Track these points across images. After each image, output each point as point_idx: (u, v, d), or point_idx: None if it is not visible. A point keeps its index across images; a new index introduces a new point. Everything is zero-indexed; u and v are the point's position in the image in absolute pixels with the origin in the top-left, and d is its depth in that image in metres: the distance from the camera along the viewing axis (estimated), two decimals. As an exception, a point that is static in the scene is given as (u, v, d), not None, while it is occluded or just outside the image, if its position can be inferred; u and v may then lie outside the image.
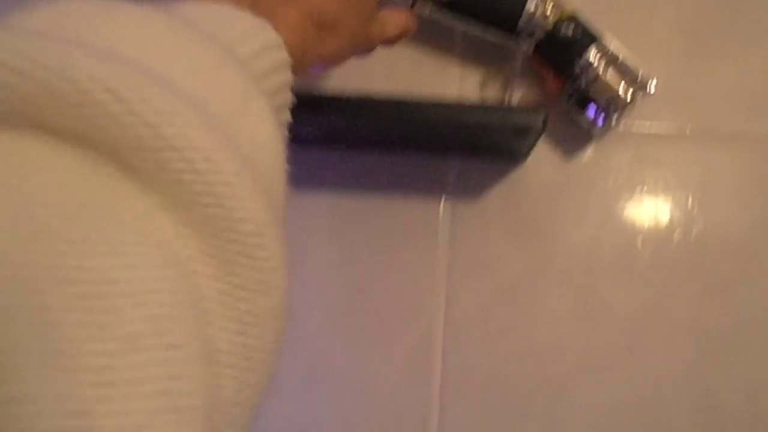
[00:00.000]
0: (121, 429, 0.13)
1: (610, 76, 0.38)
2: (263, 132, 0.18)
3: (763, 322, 0.39)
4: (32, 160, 0.14)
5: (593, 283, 0.39)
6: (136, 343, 0.13)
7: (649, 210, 0.40)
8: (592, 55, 0.37)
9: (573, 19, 0.38)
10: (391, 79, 0.42)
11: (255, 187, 0.16)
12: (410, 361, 0.40)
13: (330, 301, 0.40)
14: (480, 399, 0.39)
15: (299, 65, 0.23)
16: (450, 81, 0.42)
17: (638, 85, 0.38)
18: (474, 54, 0.42)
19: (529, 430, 0.39)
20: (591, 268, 0.40)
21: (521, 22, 0.38)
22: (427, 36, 0.39)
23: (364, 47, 0.31)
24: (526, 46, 0.39)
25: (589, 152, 0.41)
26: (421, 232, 0.40)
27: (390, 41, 0.32)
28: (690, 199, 0.40)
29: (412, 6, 0.39)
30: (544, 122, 0.34)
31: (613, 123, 0.39)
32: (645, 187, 0.40)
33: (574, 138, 0.41)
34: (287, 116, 0.23)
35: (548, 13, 0.38)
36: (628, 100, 0.38)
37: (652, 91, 0.38)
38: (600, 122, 0.38)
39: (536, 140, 0.37)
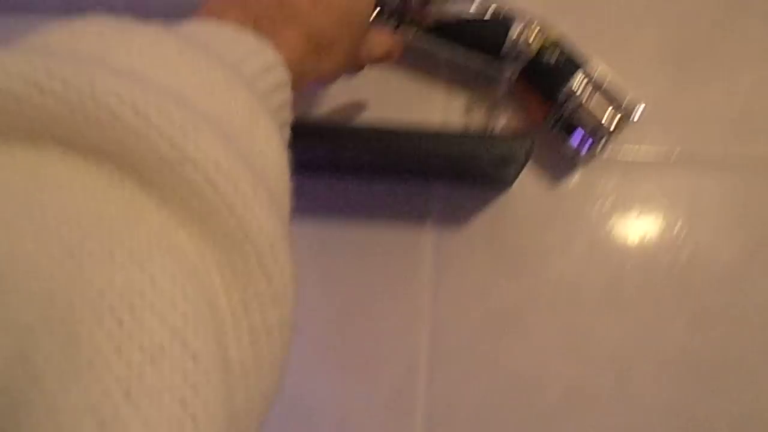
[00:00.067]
0: None
1: (594, 103, 0.37)
2: (271, 148, 0.19)
3: (752, 351, 0.38)
4: (55, 176, 0.15)
5: (580, 312, 0.39)
6: (160, 353, 0.13)
7: (636, 237, 0.40)
8: (577, 82, 0.37)
9: (557, 45, 0.38)
10: (377, 104, 0.41)
11: (269, 202, 0.17)
12: (394, 393, 0.39)
13: (311, 332, 0.39)
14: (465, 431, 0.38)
15: (298, 83, 0.24)
16: (434, 107, 0.41)
17: (623, 112, 0.38)
18: (458, 80, 0.42)
19: (516, 465, 0.38)
20: (578, 296, 0.39)
21: (505, 49, 0.37)
22: (412, 62, 0.39)
23: (355, 66, 0.32)
24: (510, 73, 0.38)
25: (575, 179, 0.40)
26: (405, 261, 0.39)
27: (377, 61, 0.33)
28: (677, 226, 0.40)
29: (397, 29, 0.38)
30: (529, 151, 0.33)
31: (598, 150, 0.38)
32: (631, 214, 0.40)
33: (560, 164, 0.40)
34: (288, 132, 0.24)
35: (532, 39, 0.37)
36: (613, 128, 0.37)
37: (639, 113, 0.38)
38: (585, 150, 0.38)
39: (521, 169, 0.36)
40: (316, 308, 0.39)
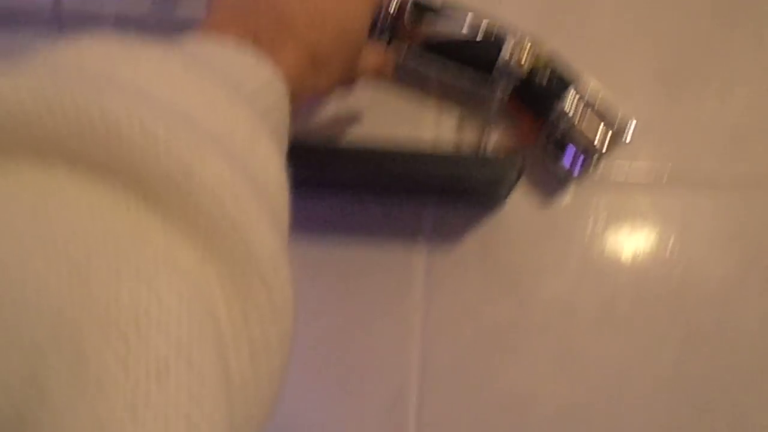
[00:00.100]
0: None
1: (586, 123, 0.37)
2: (271, 165, 0.20)
3: (744, 370, 0.38)
4: (63, 194, 0.15)
5: (573, 331, 0.38)
6: (165, 371, 0.14)
7: (629, 256, 0.39)
8: (569, 101, 0.37)
9: (549, 64, 0.38)
10: (368, 122, 0.41)
11: (271, 218, 0.17)
12: (385, 412, 0.38)
13: (300, 350, 0.39)
14: (457, 453, 0.38)
15: (296, 98, 0.25)
16: (426, 125, 0.41)
17: (615, 131, 0.38)
18: (450, 98, 0.42)
19: (508, 488, 0.37)
20: (571, 315, 0.39)
21: (497, 67, 0.37)
22: (404, 80, 0.39)
23: (350, 81, 0.33)
24: (502, 91, 0.38)
25: (567, 197, 0.40)
26: (397, 279, 0.39)
27: (371, 77, 0.34)
28: (669, 245, 0.40)
29: (388, 46, 0.38)
30: (520, 171, 0.33)
31: (591, 169, 0.38)
32: (624, 233, 0.40)
33: (552, 183, 0.40)
34: (286, 147, 0.24)
35: (524, 59, 0.37)
36: (605, 147, 0.37)
37: (629, 139, 0.38)
38: (577, 169, 0.38)
39: (512, 188, 0.36)
40: (306, 327, 0.39)
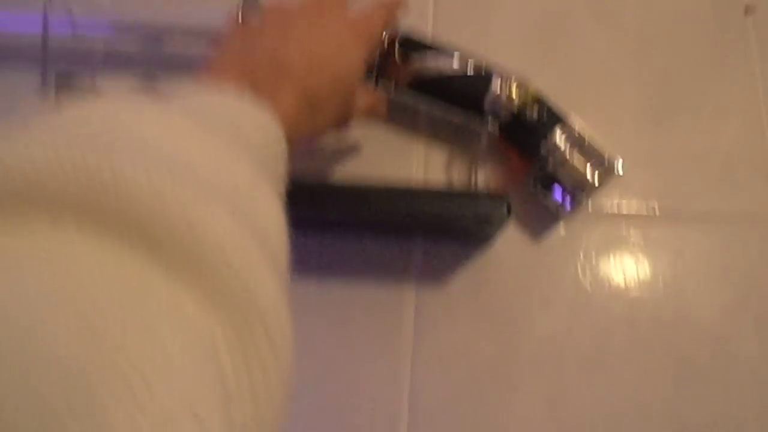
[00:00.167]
0: None
1: (576, 158, 0.37)
2: (271, 211, 0.21)
3: (740, 411, 0.37)
4: (72, 250, 0.16)
5: (564, 370, 0.38)
6: (168, 417, 0.14)
7: (620, 292, 0.39)
8: (558, 137, 0.37)
9: (537, 101, 0.38)
10: (357, 157, 0.41)
11: (272, 267, 0.17)
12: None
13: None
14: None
15: (293, 140, 0.26)
16: (415, 160, 0.41)
17: (605, 167, 0.38)
18: (439, 134, 0.42)
19: None
20: (562, 354, 0.38)
21: (486, 104, 0.37)
22: (393, 115, 0.39)
23: (343, 122, 0.34)
24: (491, 128, 0.38)
25: (557, 233, 0.40)
26: (386, 318, 0.38)
27: (364, 117, 0.35)
28: (661, 282, 0.39)
29: (376, 85, 0.38)
30: (508, 210, 0.33)
31: (580, 206, 0.38)
32: (616, 268, 0.39)
33: (542, 219, 0.40)
34: (284, 190, 0.25)
35: (513, 95, 0.37)
36: (594, 183, 0.37)
37: (621, 172, 0.38)
38: (567, 205, 0.37)
39: (501, 226, 0.36)
40: (295, 367, 0.38)
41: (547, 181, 0.37)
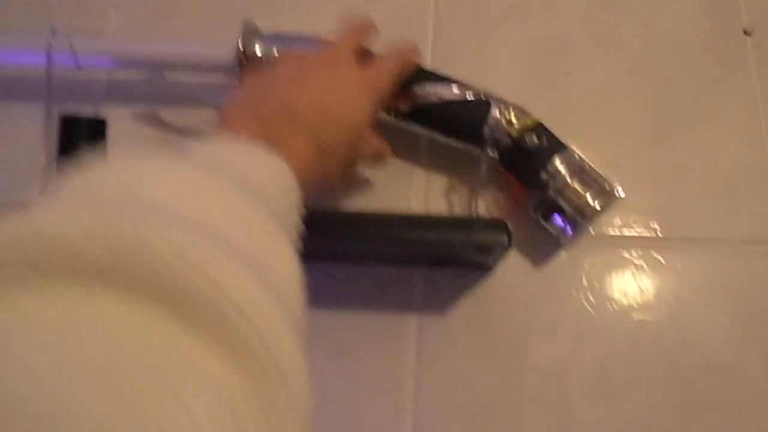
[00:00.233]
0: None
1: (577, 184, 0.37)
2: (288, 265, 0.22)
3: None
4: (101, 314, 0.16)
5: (568, 401, 0.37)
6: None
7: (624, 320, 0.39)
8: (559, 163, 0.37)
9: (538, 127, 0.38)
10: (357, 186, 0.41)
11: (292, 326, 0.18)
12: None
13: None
14: None
15: (305, 186, 0.27)
16: (416, 188, 0.41)
17: (606, 191, 0.37)
18: (440, 162, 0.42)
19: None
20: (565, 383, 0.37)
21: (486, 132, 0.37)
22: (393, 142, 0.39)
23: (350, 168, 0.36)
24: (491, 154, 0.38)
25: (559, 259, 0.40)
26: (387, 348, 0.38)
27: (369, 161, 0.36)
28: (664, 306, 0.39)
29: (379, 112, 0.38)
30: (509, 239, 0.32)
31: (581, 232, 0.38)
32: (618, 296, 0.39)
33: (544, 245, 0.40)
34: (297, 237, 0.26)
35: (513, 122, 0.37)
36: (598, 208, 0.37)
37: (622, 195, 0.38)
38: (568, 232, 0.37)
39: (502, 255, 0.36)
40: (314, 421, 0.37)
41: (548, 207, 0.37)
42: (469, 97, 0.38)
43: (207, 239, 0.17)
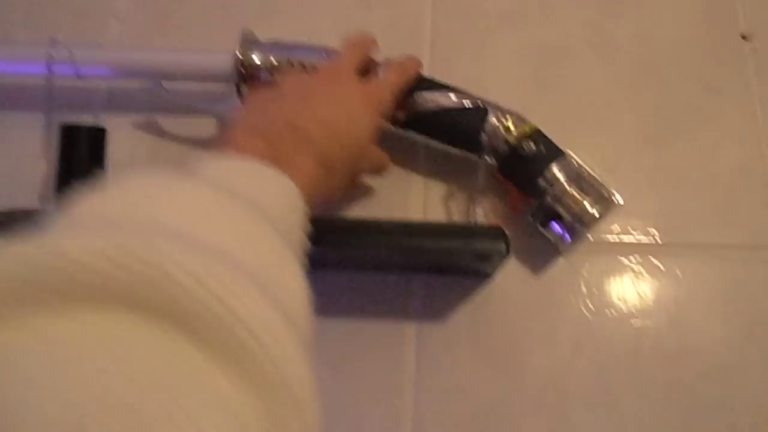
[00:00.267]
0: None
1: (575, 191, 0.37)
2: (296, 285, 0.22)
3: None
4: (119, 336, 0.17)
5: (568, 409, 0.37)
6: None
7: (623, 327, 0.38)
8: (556, 170, 0.37)
9: (536, 133, 0.38)
10: (356, 193, 0.41)
11: (300, 344, 0.19)
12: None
13: None
14: None
15: (310, 203, 0.28)
16: (414, 196, 0.41)
17: (605, 198, 0.37)
18: (438, 169, 0.42)
19: None
20: (565, 390, 0.37)
21: (483, 139, 0.37)
22: (391, 150, 0.39)
23: (353, 182, 0.36)
24: (489, 161, 0.38)
25: (558, 266, 0.40)
26: (386, 356, 0.38)
27: (371, 174, 0.38)
28: (664, 315, 0.39)
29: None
30: (507, 247, 0.32)
31: (579, 239, 0.38)
32: (617, 303, 0.39)
33: (543, 251, 0.40)
34: (304, 254, 0.26)
35: (511, 128, 0.37)
36: (596, 215, 0.37)
37: (621, 202, 0.38)
38: (566, 238, 0.37)
39: (500, 263, 0.36)
40: None
41: (547, 214, 0.37)
42: (467, 104, 0.38)
43: (219, 262, 0.18)
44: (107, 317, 0.17)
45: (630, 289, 0.39)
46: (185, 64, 0.41)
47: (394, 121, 0.39)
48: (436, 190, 0.41)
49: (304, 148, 0.30)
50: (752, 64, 0.44)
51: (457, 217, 0.41)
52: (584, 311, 0.39)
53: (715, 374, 0.37)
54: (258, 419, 0.17)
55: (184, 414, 0.16)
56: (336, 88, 0.33)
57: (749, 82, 0.44)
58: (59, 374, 0.15)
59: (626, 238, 0.40)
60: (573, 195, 0.37)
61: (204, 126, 0.44)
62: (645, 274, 0.40)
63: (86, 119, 0.42)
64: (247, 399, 0.17)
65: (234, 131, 0.30)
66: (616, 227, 0.41)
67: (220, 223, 0.21)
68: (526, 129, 0.38)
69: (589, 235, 0.40)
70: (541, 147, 0.37)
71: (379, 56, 0.39)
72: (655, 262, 0.40)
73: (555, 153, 0.37)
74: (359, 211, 0.41)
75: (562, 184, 0.37)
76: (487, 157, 0.38)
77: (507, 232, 0.34)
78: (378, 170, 0.37)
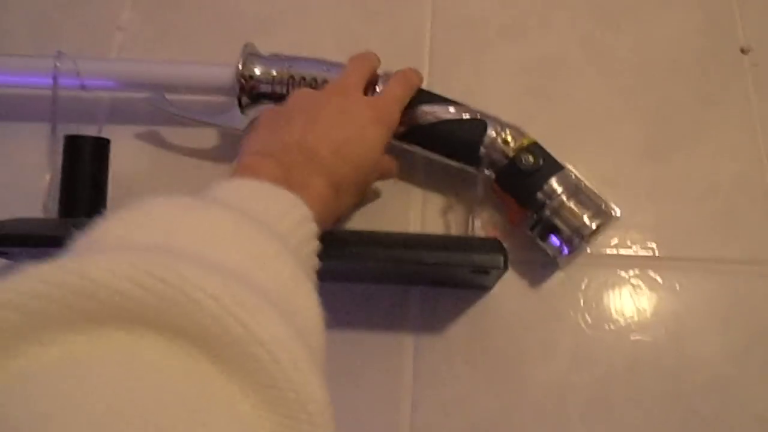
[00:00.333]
0: None
1: (574, 204, 0.37)
2: (310, 306, 0.23)
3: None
4: (145, 358, 0.18)
5: (566, 422, 0.37)
6: None
7: (622, 341, 0.38)
8: (555, 183, 0.37)
9: (534, 147, 0.38)
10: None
11: (316, 366, 0.19)
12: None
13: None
14: None
15: (320, 224, 0.28)
16: (413, 208, 0.41)
17: (603, 212, 0.37)
18: (436, 180, 0.42)
19: None
20: (563, 404, 0.37)
21: (482, 151, 0.38)
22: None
23: (363, 194, 0.37)
24: (488, 174, 0.39)
25: (556, 279, 0.40)
26: (383, 367, 0.38)
27: (378, 179, 0.38)
28: (663, 329, 0.39)
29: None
30: (505, 261, 0.32)
31: (578, 252, 0.38)
32: (616, 317, 0.39)
33: (541, 264, 0.40)
34: (315, 275, 0.27)
35: (509, 140, 0.38)
36: (595, 228, 0.37)
37: (619, 215, 0.38)
38: (564, 251, 0.37)
39: (499, 276, 0.36)
40: None
41: (545, 227, 0.37)
42: (465, 117, 0.38)
43: (237, 283, 0.19)
44: (130, 337, 0.18)
45: (628, 302, 0.39)
46: (187, 77, 0.41)
47: (394, 134, 0.39)
48: (435, 202, 0.42)
49: (316, 171, 0.31)
50: (751, 78, 0.44)
51: (456, 229, 0.41)
52: (582, 324, 0.39)
53: (714, 388, 0.37)
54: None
55: (202, 427, 0.16)
56: (345, 106, 0.34)
57: (748, 95, 0.44)
58: (85, 391, 0.16)
59: (625, 252, 0.40)
60: (571, 208, 0.37)
61: (205, 137, 0.45)
62: (644, 288, 0.40)
63: (90, 130, 0.42)
64: (264, 417, 0.18)
65: (247, 153, 0.31)
66: (614, 240, 0.41)
67: (237, 244, 0.22)
68: (525, 142, 0.38)
69: (587, 249, 0.40)
70: (540, 160, 0.37)
71: (378, 70, 0.39)
72: (654, 275, 0.40)
73: (553, 166, 0.38)
74: (358, 223, 0.41)
75: (560, 198, 0.37)
76: (485, 170, 0.39)
77: (505, 245, 0.34)
78: (386, 177, 0.38)
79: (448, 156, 0.39)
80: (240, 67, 0.40)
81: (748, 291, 0.39)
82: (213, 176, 0.43)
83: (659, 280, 0.40)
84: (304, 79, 0.40)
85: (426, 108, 0.38)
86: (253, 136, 0.33)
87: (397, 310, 0.39)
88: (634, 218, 0.41)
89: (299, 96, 0.35)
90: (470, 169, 0.39)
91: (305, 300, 0.23)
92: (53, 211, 0.42)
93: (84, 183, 0.41)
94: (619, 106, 0.44)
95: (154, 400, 0.16)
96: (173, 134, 0.45)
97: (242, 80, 0.39)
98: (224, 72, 0.40)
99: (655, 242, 0.40)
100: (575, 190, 0.37)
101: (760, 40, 0.45)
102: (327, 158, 0.31)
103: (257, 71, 0.40)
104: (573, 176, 0.38)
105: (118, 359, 0.17)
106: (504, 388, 0.38)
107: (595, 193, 0.38)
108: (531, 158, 0.37)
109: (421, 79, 0.39)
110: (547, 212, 0.37)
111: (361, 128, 0.33)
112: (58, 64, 0.41)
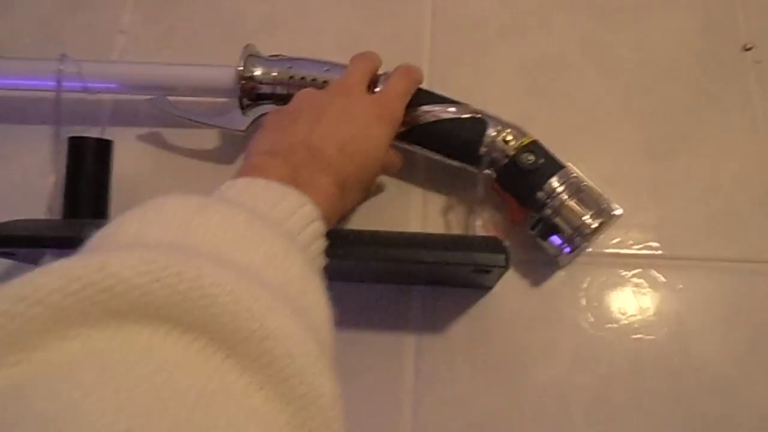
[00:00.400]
0: None
1: (575, 203, 0.37)
2: (319, 303, 0.24)
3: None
4: (162, 352, 0.18)
5: (567, 422, 0.37)
6: None
7: (623, 340, 0.38)
8: (556, 183, 0.37)
9: (535, 146, 0.38)
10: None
11: (328, 362, 0.20)
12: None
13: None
14: None
15: (326, 222, 0.29)
16: (413, 207, 0.42)
17: (604, 211, 0.37)
18: (437, 179, 0.42)
19: None
20: (564, 404, 0.37)
21: (482, 151, 0.38)
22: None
23: (368, 191, 0.37)
24: (488, 173, 0.39)
25: (557, 279, 0.40)
26: (385, 367, 0.38)
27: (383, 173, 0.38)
28: (665, 328, 0.38)
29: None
30: (506, 260, 0.32)
31: (579, 251, 0.38)
32: (618, 316, 0.39)
33: (543, 264, 0.40)
34: (322, 272, 0.27)
35: (510, 140, 0.38)
36: (593, 229, 0.37)
37: (621, 214, 0.38)
38: (565, 250, 0.37)
39: (500, 275, 0.36)
40: None
41: (547, 226, 0.37)
42: (466, 116, 0.38)
43: (254, 282, 0.19)
44: (148, 330, 0.18)
45: (630, 301, 0.39)
46: (189, 79, 0.41)
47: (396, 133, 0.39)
48: (436, 202, 0.42)
49: (322, 171, 0.31)
50: (753, 76, 0.44)
51: (457, 229, 0.41)
52: (584, 324, 0.39)
53: (717, 387, 0.37)
54: (288, 426, 0.18)
55: (221, 425, 0.17)
56: (349, 105, 0.34)
57: (751, 94, 0.44)
58: (106, 383, 0.16)
59: (626, 251, 0.40)
60: (572, 207, 0.37)
61: (207, 138, 0.45)
62: (645, 287, 0.39)
63: (93, 132, 0.43)
64: (277, 410, 0.18)
65: (254, 153, 0.32)
66: (616, 239, 0.40)
67: (248, 242, 0.22)
68: (525, 141, 0.38)
69: (589, 248, 0.40)
70: (541, 159, 0.37)
71: (378, 71, 0.40)
72: (656, 274, 0.40)
73: (554, 165, 0.37)
74: (358, 222, 0.41)
75: (561, 197, 0.37)
76: (486, 170, 0.39)
77: (506, 244, 0.34)
78: (391, 171, 0.39)
79: (449, 155, 0.39)
80: (241, 68, 0.40)
81: (750, 290, 0.39)
82: (215, 177, 0.43)
83: (661, 279, 0.39)
84: (304, 79, 0.40)
85: (426, 107, 0.38)
86: (260, 137, 0.33)
87: (399, 309, 0.39)
88: (636, 217, 0.41)
89: (304, 96, 0.35)
90: (471, 168, 0.39)
91: (314, 297, 0.24)
92: (57, 213, 0.43)
93: (87, 184, 0.41)
94: (620, 106, 0.44)
95: (170, 392, 0.17)
96: (175, 136, 0.45)
97: (243, 81, 0.40)
98: (225, 74, 0.40)
99: (657, 241, 0.40)
100: (576, 188, 0.37)
101: (762, 38, 0.45)
102: (333, 157, 0.31)
103: (258, 72, 0.40)
104: (574, 175, 0.38)
105: (136, 352, 0.18)
106: (505, 388, 0.37)
107: (596, 191, 0.38)
108: (531, 157, 0.37)
109: (421, 75, 0.39)
110: (548, 211, 0.37)
111: (365, 126, 0.34)
112: (61, 67, 0.42)
